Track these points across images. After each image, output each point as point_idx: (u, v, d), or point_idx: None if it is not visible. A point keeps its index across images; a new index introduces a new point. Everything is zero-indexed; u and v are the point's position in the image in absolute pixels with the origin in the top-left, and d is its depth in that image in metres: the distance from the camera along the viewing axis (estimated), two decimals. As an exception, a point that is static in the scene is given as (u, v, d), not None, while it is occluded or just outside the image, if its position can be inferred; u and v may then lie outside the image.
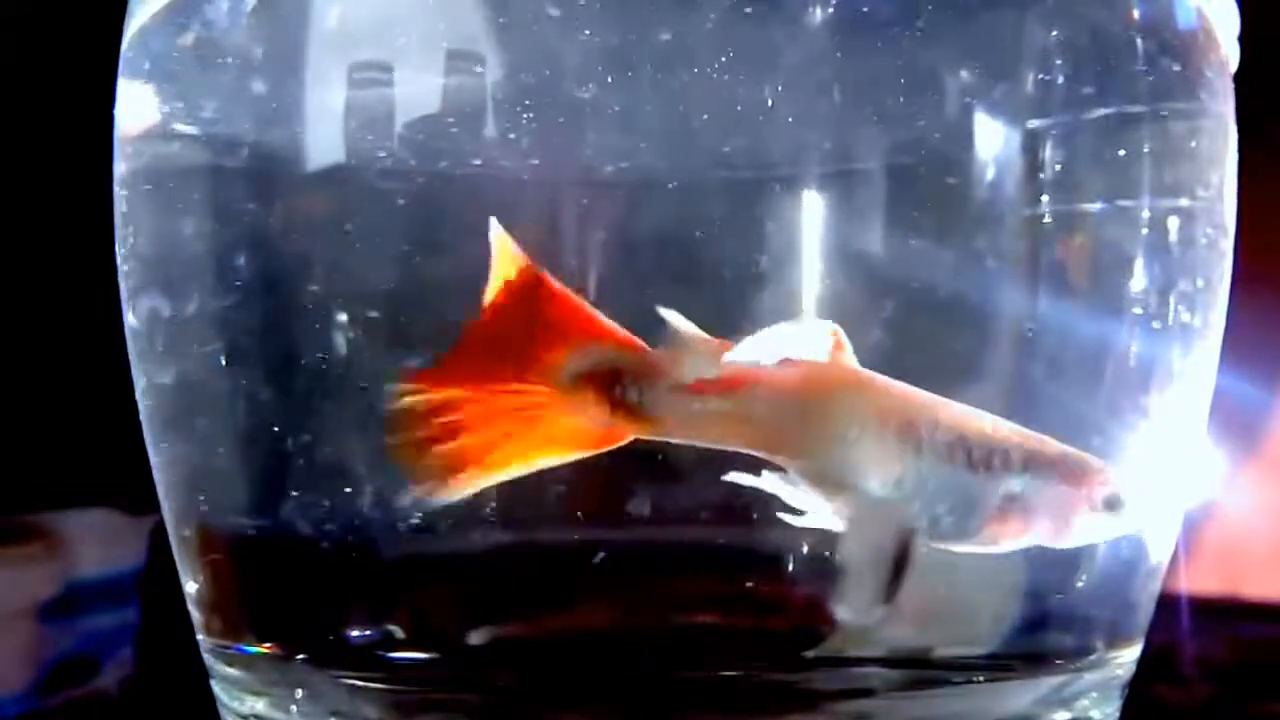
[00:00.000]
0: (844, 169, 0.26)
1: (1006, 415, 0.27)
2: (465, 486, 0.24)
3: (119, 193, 0.30)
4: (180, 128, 0.29)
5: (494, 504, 0.26)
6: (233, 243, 0.28)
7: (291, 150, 0.27)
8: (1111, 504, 0.24)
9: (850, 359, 0.24)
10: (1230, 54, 0.30)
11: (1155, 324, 0.28)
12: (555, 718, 0.26)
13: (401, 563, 0.27)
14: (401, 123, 0.26)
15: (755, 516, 0.26)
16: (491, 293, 0.24)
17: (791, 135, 0.26)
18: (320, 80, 0.27)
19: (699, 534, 0.26)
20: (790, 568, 0.26)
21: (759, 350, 0.24)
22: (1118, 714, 0.29)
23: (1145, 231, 0.28)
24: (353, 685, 0.27)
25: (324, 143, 0.27)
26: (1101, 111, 0.27)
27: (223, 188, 0.28)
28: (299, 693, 0.28)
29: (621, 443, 0.24)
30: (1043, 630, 0.28)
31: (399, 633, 0.27)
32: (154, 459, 0.30)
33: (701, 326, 0.26)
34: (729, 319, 0.26)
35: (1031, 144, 0.26)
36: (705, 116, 0.26)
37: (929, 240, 0.27)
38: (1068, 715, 0.28)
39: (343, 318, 0.26)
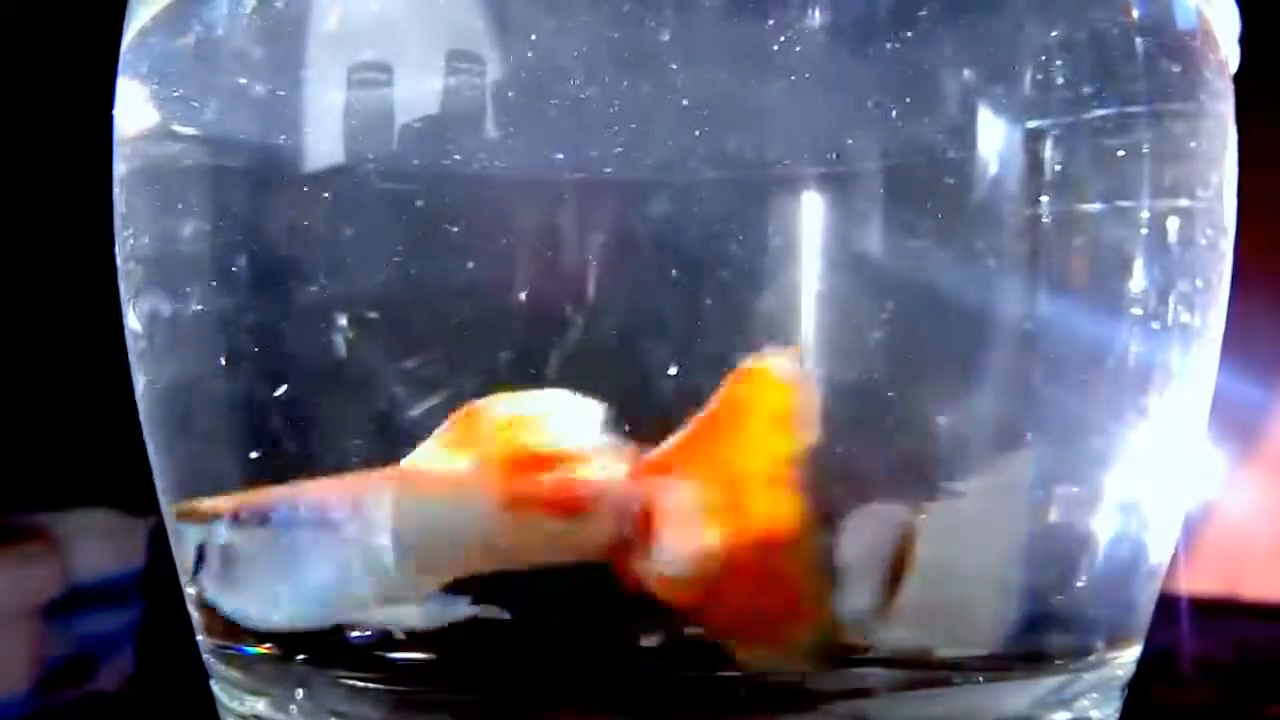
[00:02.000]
0: (843, 169, 0.26)
1: (1007, 415, 0.27)
2: None
3: (119, 193, 0.30)
4: (180, 128, 0.29)
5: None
6: (233, 243, 0.28)
7: (291, 151, 0.27)
8: None
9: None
10: (1230, 55, 0.30)
11: (1155, 324, 0.28)
12: (555, 718, 0.26)
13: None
14: (401, 123, 0.26)
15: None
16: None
17: (791, 135, 0.26)
18: (320, 81, 0.27)
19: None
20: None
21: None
22: (1117, 715, 0.29)
23: (1145, 232, 0.28)
24: (353, 685, 0.27)
25: (324, 143, 0.27)
26: (1101, 112, 0.27)
27: (222, 188, 0.28)
28: (299, 693, 0.28)
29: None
30: (1043, 630, 0.28)
31: (399, 633, 0.27)
32: (154, 459, 0.30)
33: (701, 329, 0.26)
34: (729, 319, 0.26)
35: (1031, 144, 0.26)
36: (704, 116, 0.26)
37: (928, 240, 0.27)
38: (1067, 715, 0.28)
39: (343, 318, 0.26)
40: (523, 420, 0.22)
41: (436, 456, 0.22)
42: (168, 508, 0.30)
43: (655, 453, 0.22)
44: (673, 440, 0.22)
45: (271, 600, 0.22)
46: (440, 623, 0.22)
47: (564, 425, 0.22)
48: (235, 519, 0.23)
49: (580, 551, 0.22)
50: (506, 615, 0.22)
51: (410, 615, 0.22)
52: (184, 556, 0.30)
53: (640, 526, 0.22)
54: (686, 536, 0.22)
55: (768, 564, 0.22)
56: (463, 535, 0.22)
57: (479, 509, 0.22)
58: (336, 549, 0.22)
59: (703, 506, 0.22)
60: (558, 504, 0.22)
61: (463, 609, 0.22)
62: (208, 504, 0.23)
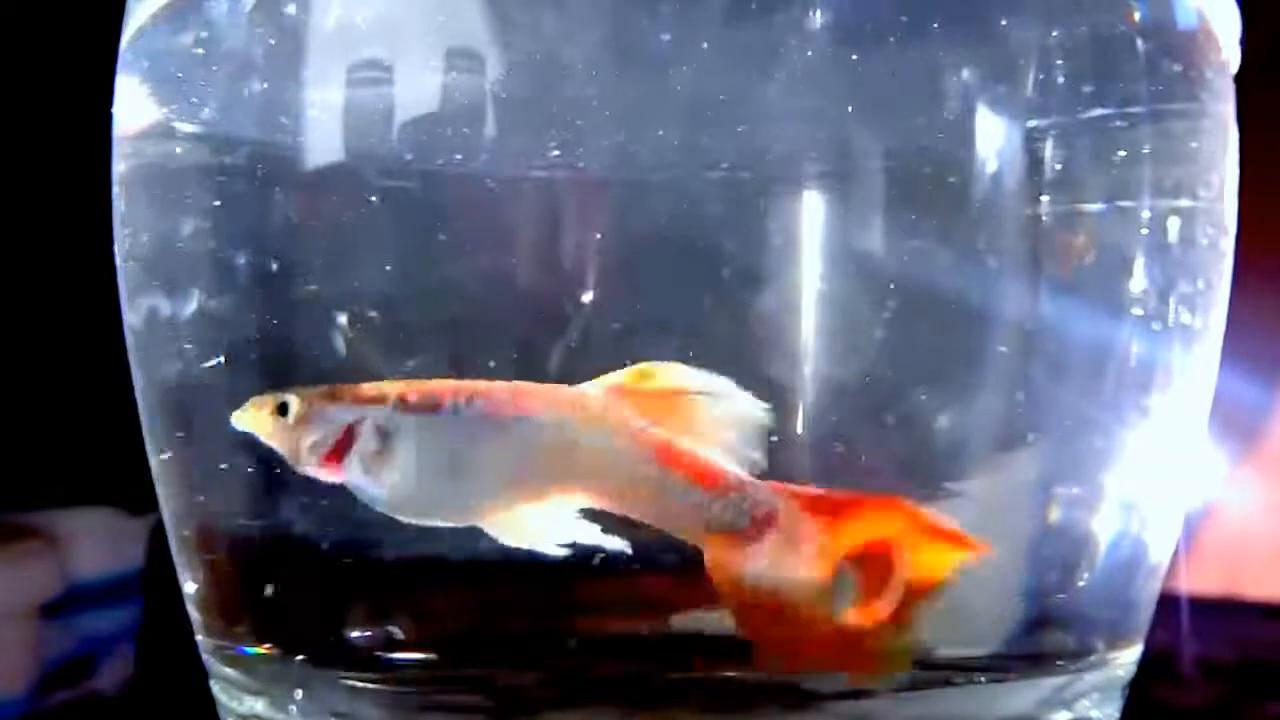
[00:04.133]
0: (845, 169, 0.26)
1: (1008, 415, 0.27)
2: None
3: (118, 192, 0.30)
4: (179, 127, 0.29)
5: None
6: (232, 242, 0.28)
7: (290, 149, 0.27)
8: None
9: None
10: (1230, 55, 0.30)
11: (1156, 324, 0.28)
12: (555, 718, 0.26)
13: (401, 563, 0.27)
14: (400, 122, 0.26)
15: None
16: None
17: (792, 135, 0.26)
18: (319, 80, 0.27)
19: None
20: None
21: None
22: (1118, 714, 0.29)
23: (1145, 232, 0.28)
24: (353, 685, 0.27)
25: (322, 142, 0.27)
26: (1102, 112, 0.27)
27: (221, 187, 0.28)
28: (299, 693, 0.28)
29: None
30: (1044, 631, 0.28)
31: (399, 633, 0.27)
32: (153, 459, 0.30)
33: (702, 328, 0.26)
34: (728, 320, 0.26)
35: (1032, 144, 0.26)
36: (705, 117, 0.26)
37: (930, 240, 0.27)
38: (1068, 716, 0.28)
39: (341, 317, 0.26)
40: (693, 395, 0.24)
41: (606, 393, 0.24)
42: (167, 508, 0.30)
43: (804, 489, 0.24)
44: (824, 490, 0.24)
45: (428, 487, 0.24)
46: (563, 541, 0.24)
47: (728, 413, 0.24)
48: (403, 403, 0.24)
49: (691, 528, 0.24)
50: (627, 550, 0.24)
51: (538, 530, 0.24)
52: (183, 557, 0.30)
53: (753, 533, 0.23)
54: (791, 563, 0.24)
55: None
56: (613, 470, 0.24)
57: (636, 455, 0.24)
58: (499, 448, 0.24)
59: (820, 550, 0.24)
60: (704, 476, 0.23)
61: (592, 533, 0.24)
62: (364, 388, 0.24)
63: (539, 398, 0.24)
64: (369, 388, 0.24)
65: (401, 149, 0.26)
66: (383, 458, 0.24)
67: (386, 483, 0.24)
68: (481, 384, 0.24)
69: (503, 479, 0.24)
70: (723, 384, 0.24)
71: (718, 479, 0.24)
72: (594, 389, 0.24)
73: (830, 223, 0.26)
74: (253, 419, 0.25)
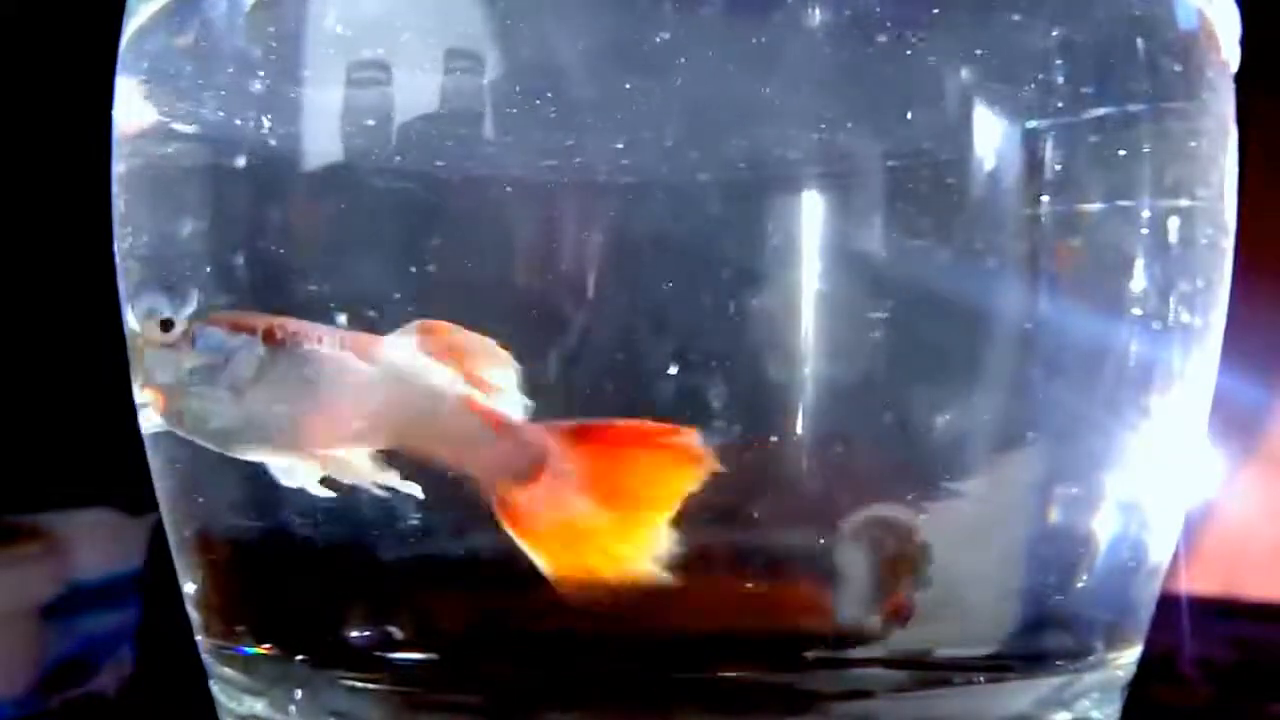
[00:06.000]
0: (843, 169, 0.26)
1: (1008, 416, 0.27)
2: None
3: (118, 192, 0.30)
4: (179, 127, 0.29)
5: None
6: (231, 242, 0.28)
7: (290, 149, 0.27)
8: None
9: None
10: (1231, 54, 0.30)
11: (1155, 324, 0.28)
12: (555, 718, 0.26)
13: (401, 563, 0.27)
14: (400, 122, 0.26)
15: (755, 517, 0.26)
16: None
17: (791, 136, 0.26)
18: (318, 80, 0.27)
19: (698, 535, 0.26)
20: (790, 568, 0.26)
21: None
22: (1118, 715, 0.29)
23: (1145, 231, 0.28)
24: (353, 685, 0.27)
25: (322, 142, 0.27)
26: (1102, 111, 0.27)
27: (221, 187, 0.28)
28: (298, 693, 0.28)
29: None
30: (1043, 631, 0.28)
31: (398, 633, 0.27)
32: (153, 459, 0.30)
33: (701, 329, 0.26)
34: (727, 320, 0.26)
35: (1031, 144, 0.26)
36: (704, 118, 0.26)
37: (929, 240, 0.27)
38: (1068, 716, 0.28)
39: (341, 317, 0.26)
40: (475, 350, 0.26)
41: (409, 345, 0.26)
42: (167, 509, 0.30)
43: (573, 423, 0.26)
44: (591, 422, 0.26)
45: (277, 417, 0.26)
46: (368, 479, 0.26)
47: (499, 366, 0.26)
48: (270, 337, 0.26)
49: (484, 472, 0.26)
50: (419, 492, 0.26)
51: (357, 468, 0.26)
52: (183, 557, 0.30)
53: (529, 466, 0.25)
54: (560, 498, 0.25)
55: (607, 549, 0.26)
56: (429, 416, 0.26)
57: (451, 402, 0.26)
58: (354, 388, 0.26)
59: (584, 483, 0.26)
60: (495, 420, 0.25)
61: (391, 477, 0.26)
62: (244, 319, 0.26)
63: (373, 344, 0.26)
64: (247, 318, 0.26)
65: (402, 149, 0.26)
66: (252, 384, 0.25)
67: (247, 409, 0.25)
68: (344, 332, 0.26)
69: (335, 417, 0.26)
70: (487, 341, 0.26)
71: (502, 422, 0.25)
72: (403, 336, 0.26)
73: (830, 223, 0.26)
74: (142, 325, 0.26)
